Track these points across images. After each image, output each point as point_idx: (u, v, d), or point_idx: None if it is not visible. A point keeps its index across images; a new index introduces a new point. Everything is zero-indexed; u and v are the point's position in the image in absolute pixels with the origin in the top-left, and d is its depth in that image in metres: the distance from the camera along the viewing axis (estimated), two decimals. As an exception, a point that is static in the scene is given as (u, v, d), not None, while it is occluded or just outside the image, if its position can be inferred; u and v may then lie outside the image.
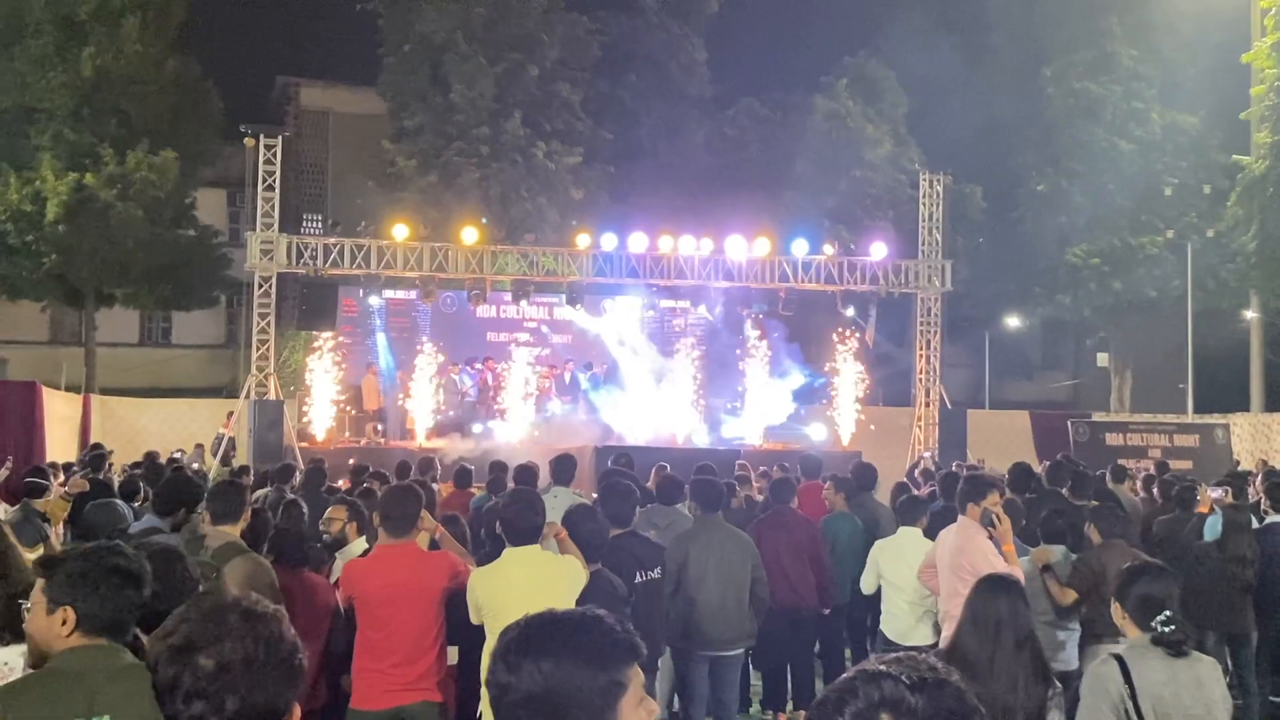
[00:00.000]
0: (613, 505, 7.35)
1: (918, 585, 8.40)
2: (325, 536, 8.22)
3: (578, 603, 6.01)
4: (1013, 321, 39.64)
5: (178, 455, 20.06)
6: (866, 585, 9.00)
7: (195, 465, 20.02)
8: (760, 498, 11.99)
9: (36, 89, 29.36)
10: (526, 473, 11.16)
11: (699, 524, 8.46)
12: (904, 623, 8.55)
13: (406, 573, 6.15)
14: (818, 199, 32.72)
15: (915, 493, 10.88)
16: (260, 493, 12.42)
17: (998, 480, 8.03)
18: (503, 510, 6.22)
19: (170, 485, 7.27)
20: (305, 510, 8.81)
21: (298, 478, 13.78)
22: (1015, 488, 10.24)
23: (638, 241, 25.18)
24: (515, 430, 24.11)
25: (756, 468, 15.67)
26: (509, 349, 26.78)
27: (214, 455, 22.20)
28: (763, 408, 25.16)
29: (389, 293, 26.95)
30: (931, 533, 8.87)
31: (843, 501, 10.43)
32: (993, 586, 5.05)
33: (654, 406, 25.39)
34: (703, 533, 8.27)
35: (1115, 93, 34.69)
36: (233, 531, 6.45)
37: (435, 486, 11.64)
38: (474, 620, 6.03)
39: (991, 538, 7.19)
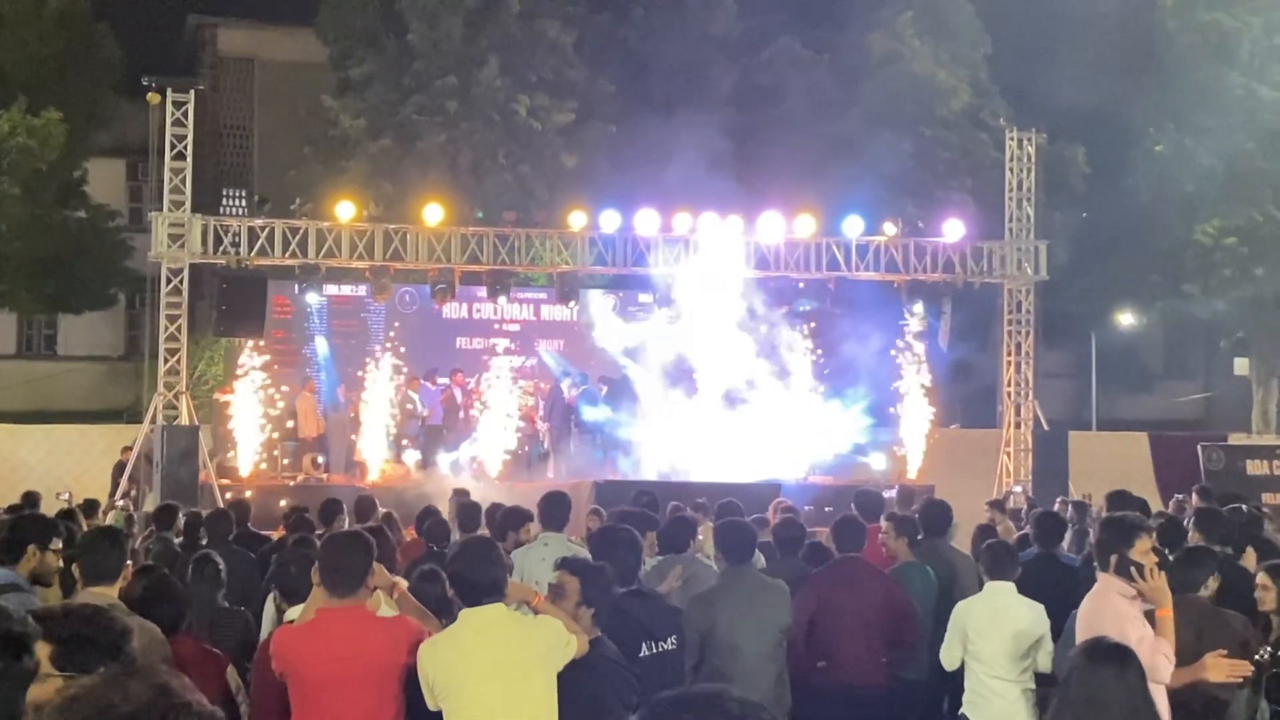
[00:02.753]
0: (610, 556, 7.29)
1: (1012, 657, 8.30)
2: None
3: (564, 679, 5.99)
4: (1125, 319, 39.51)
5: (65, 497, 20.01)
6: (949, 659, 8.86)
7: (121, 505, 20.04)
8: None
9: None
10: (515, 516, 11.10)
11: (726, 578, 8.37)
12: (993, 706, 8.45)
13: (352, 644, 6.10)
14: (875, 165, 32.61)
15: (1004, 538, 10.81)
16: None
17: (1146, 523, 7.71)
18: (451, 563, 6.20)
19: (12, 526, 7.20)
20: (221, 567, 8.81)
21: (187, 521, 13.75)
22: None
23: (646, 220, 25.15)
24: (492, 462, 24.05)
25: (801, 507, 15.61)
26: (484, 358, 26.76)
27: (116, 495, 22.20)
28: (811, 429, 25.08)
29: (331, 288, 26.91)
30: (1026, 589, 8.78)
31: (905, 548, 10.34)
32: (1094, 655, 4.97)
33: (671, 430, 25.34)
34: (732, 589, 8.19)
35: (1253, 26, 34.58)
36: (110, 593, 6.43)
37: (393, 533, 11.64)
38: (430, 705, 5.98)
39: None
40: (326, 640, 6.13)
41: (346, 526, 11.89)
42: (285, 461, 24.74)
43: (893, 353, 26.02)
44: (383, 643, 6.18)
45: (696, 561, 9.37)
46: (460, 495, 12.11)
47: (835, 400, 25.29)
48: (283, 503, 18.57)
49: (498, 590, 6.07)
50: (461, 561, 6.14)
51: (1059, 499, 18.35)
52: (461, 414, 25.66)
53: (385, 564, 6.86)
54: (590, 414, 25.73)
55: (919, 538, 10.81)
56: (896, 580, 9.79)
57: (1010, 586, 8.71)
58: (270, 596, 9.14)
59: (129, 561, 7.26)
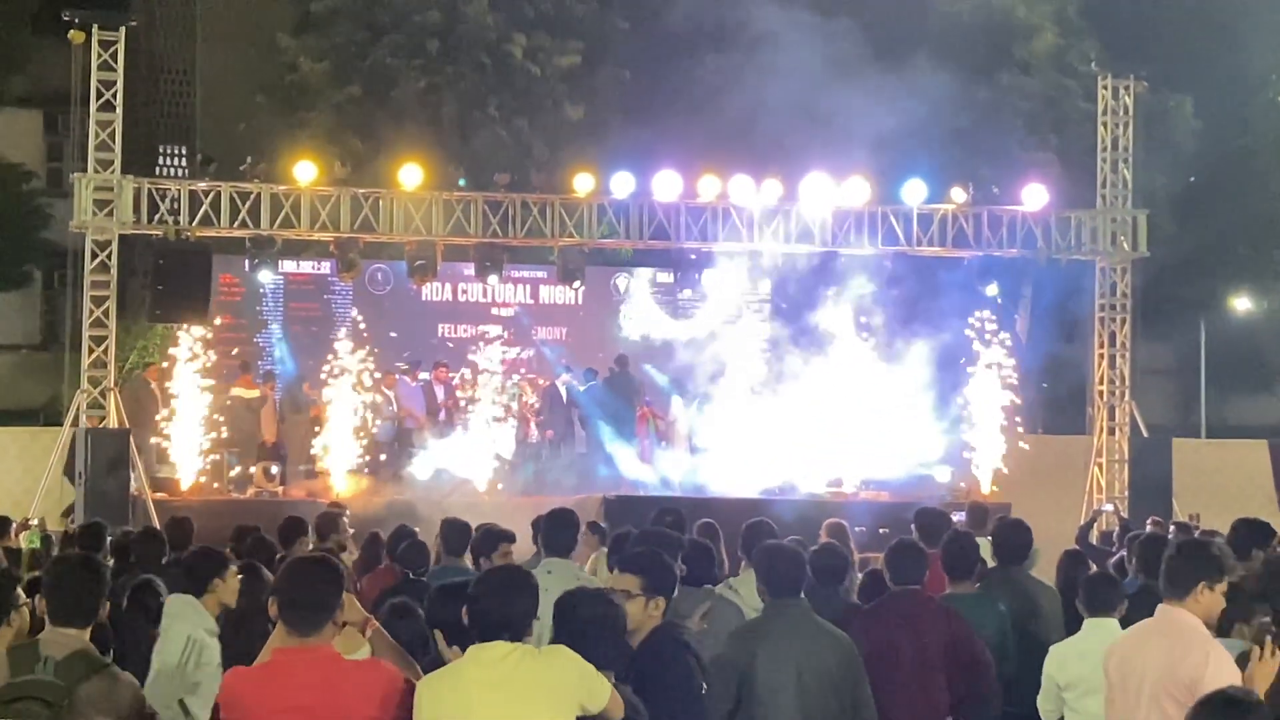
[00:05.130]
0: (655, 576, 7.29)
1: (1118, 708, 8.26)
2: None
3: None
4: (1241, 304, 39.40)
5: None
6: (1046, 711, 8.86)
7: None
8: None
9: None
10: (489, 539, 11.11)
11: (770, 615, 8.35)
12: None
13: (315, 692, 6.11)
14: (942, 119, 32.59)
15: (1098, 568, 10.80)
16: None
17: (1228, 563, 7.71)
18: (472, 594, 6.23)
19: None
20: (164, 596, 8.86)
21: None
22: (1236, 554, 10.16)
23: (666, 184, 25.14)
24: (480, 471, 24.10)
25: (853, 529, 15.60)
26: (472, 348, 26.79)
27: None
28: (864, 436, 25.09)
29: (289, 264, 26.96)
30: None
31: (950, 579, 10.28)
32: (1226, 710, 4.98)
33: (695, 435, 25.41)
34: (776, 628, 8.16)
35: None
36: (81, 636, 6.46)
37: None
38: None
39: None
40: (284, 687, 6.12)
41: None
42: (233, 473, 24.71)
43: (969, 333, 25.98)
44: (352, 691, 6.15)
45: (719, 596, 9.36)
46: (558, 515, 11.90)
47: (893, 401, 25.26)
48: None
49: (520, 630, 6.11)
50: (480, 590, 6.20)
51: (1150, 519, 18.31)
52: (443, 414, 25.67)
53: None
54: (597, 406, 25.82)
55: (990, 566, 10.79)
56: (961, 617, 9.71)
57: (1113, 624, 8.69)
58: None
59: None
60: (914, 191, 25.79)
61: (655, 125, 31.16)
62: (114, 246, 23.85)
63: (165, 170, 24.13)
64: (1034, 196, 26.19)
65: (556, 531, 10.13)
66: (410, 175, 24.45)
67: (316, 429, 24.66)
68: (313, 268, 27.61)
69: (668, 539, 9.41)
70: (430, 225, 24.77)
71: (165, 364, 25.42)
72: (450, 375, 26.20)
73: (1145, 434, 26.67)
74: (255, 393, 25.06)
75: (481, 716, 5.92)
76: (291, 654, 6.22)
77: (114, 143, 23.77)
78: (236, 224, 24.16)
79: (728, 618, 8.96)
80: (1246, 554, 10.30)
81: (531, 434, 26.09)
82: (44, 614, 6.61)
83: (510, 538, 11.04)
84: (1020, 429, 26.78)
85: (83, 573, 6.75)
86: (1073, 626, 10.63)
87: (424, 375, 26.07)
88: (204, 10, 40.35)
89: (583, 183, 25.15)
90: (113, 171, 23.74)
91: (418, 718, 6.01)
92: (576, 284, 26.61)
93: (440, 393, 25.93)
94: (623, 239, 25.97)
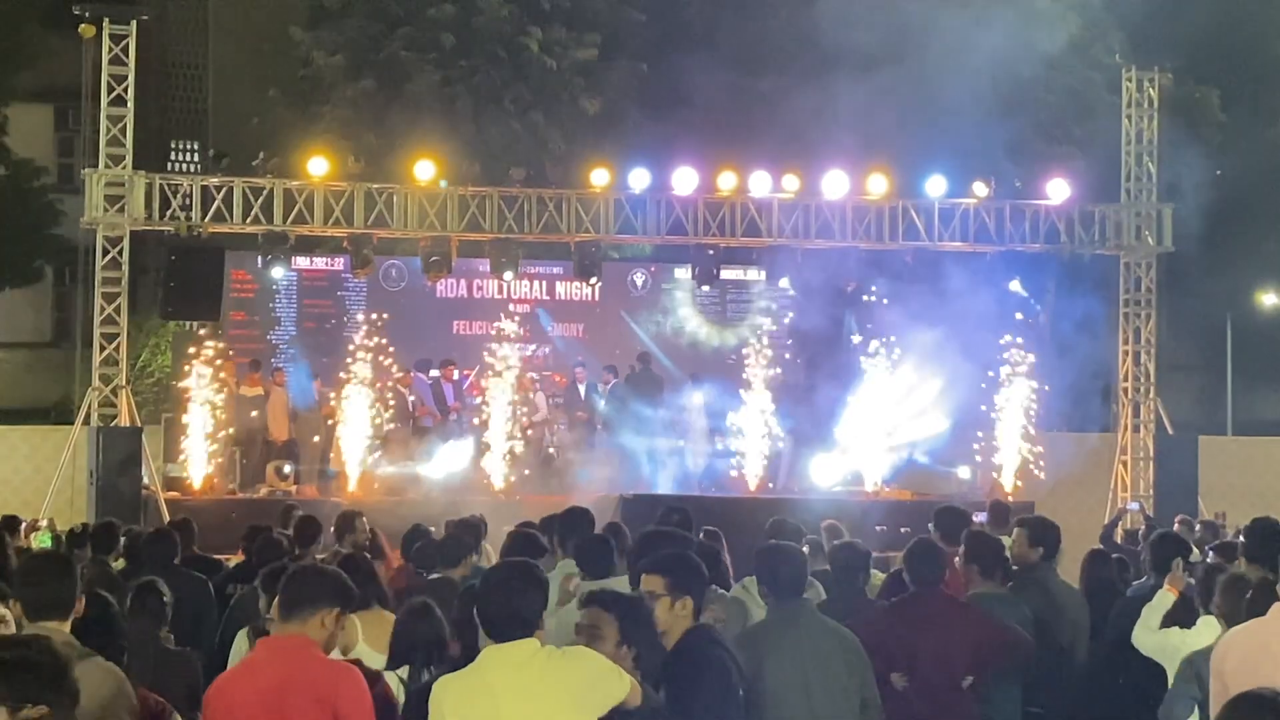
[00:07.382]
0: (680, 575, 7.32)
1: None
2: None
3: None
4: (1269, 299, 39.27)
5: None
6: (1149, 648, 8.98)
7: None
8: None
9: None
10: (524, 542, 11.08)
11: (776, 618, 8.33)
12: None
13: (281, 678, 6.23)
14: (963, 112, 32.49)
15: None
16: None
17: None
18: (479, 593, 6.26)
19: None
20: (167, 599, 8.90)
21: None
22: (1254, 556, 10.08)
23: (685, 179, 25.12)
24: (495, 470, 24.11)
25: (873, 527, 15.60)
26: (487, 346, 26.79)
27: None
28: (884, 433, 25.06)
29: (302, 261, 26.96)
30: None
31: (978, 576, 10.22)
32: (1251, 709, 4.96)
33: (714, 434, 25.38)
34: (782, 630, 8.15)
35: None
36: (63, 628, 6.51)
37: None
38: None
39: None
40: (256, 671, 6.36)
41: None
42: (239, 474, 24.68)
43: (990, 330, 25.90)
44: (317, 684, 6.27)
45: (733, 598, 9.35)
46: (573, 515, 11.58)
47: (914, 398, 25.22)
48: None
49: (531, 624, 6.14)
50: (485, 590, 6.27)
51: (1179, 518, 18.25)
52: (454, 415, 25.63)
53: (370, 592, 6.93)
54: (618, 405, 25.80)
55: (1013, 567, 10.76)
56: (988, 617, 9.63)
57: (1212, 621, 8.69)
58: (243, 633, 9.18)
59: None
60: (935, 186, 25.78)
61: (672, 119, 31.13)
62: (125, 243, 23.90)
63: (177, 165, 24.17)
64: (1057, 190, 26.15)
65: (570, 530, 10.08)
66: (424, 170, 24.45)
67: (330, 427, 24.67)
68: (326, 264, 27.65)
69: (677, 538, 9.39)
70: (445, 220, 24.77)
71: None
72: (468, 373, 26.20)
73: (1171, 431, 26.63)
74: (258, 390, 25.08)
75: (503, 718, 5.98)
76: (270, 641, 6.51)
77: (125, 138, 23.81)
78: (249, 220, 24.18)
79: (744, 617, 8.97)
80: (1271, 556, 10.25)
81: (533, 430, 25.98)
82: (19, 616, 6.71)
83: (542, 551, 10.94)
84: (1043, 426, 26.72)
85: (54, 566, 6.88)
86: (1098, 627, 10.62)
87: (434, 373, 26.05)
88: (216, 3, 40.44)
89: (599, 177, 25.13)
90: (124, 167, 23.78)
91: (435, 717, 6.07)
92: (593, 280, 26.60)
93: (449, 391, 25.91)
94: (640, 234, 25.95)
